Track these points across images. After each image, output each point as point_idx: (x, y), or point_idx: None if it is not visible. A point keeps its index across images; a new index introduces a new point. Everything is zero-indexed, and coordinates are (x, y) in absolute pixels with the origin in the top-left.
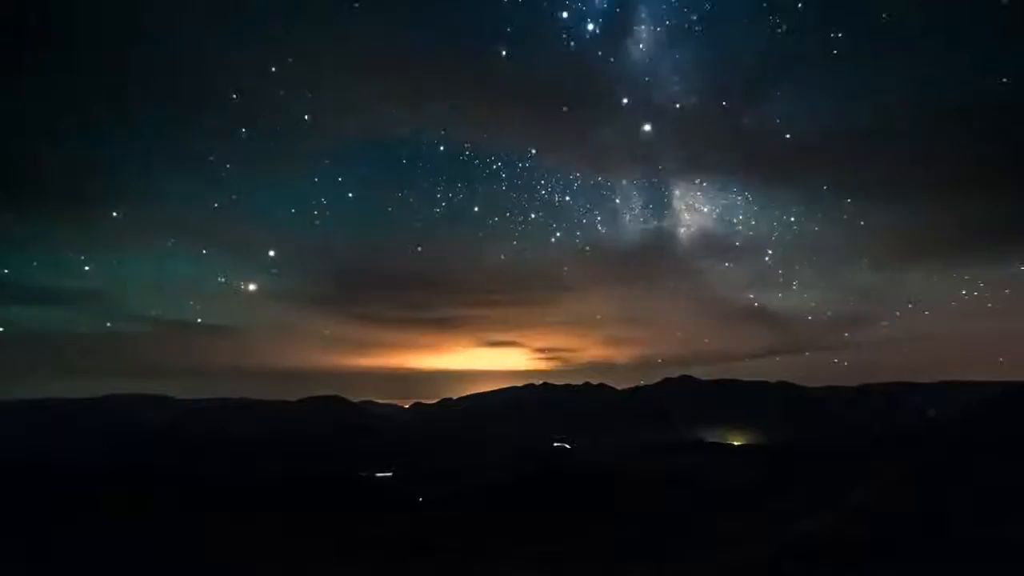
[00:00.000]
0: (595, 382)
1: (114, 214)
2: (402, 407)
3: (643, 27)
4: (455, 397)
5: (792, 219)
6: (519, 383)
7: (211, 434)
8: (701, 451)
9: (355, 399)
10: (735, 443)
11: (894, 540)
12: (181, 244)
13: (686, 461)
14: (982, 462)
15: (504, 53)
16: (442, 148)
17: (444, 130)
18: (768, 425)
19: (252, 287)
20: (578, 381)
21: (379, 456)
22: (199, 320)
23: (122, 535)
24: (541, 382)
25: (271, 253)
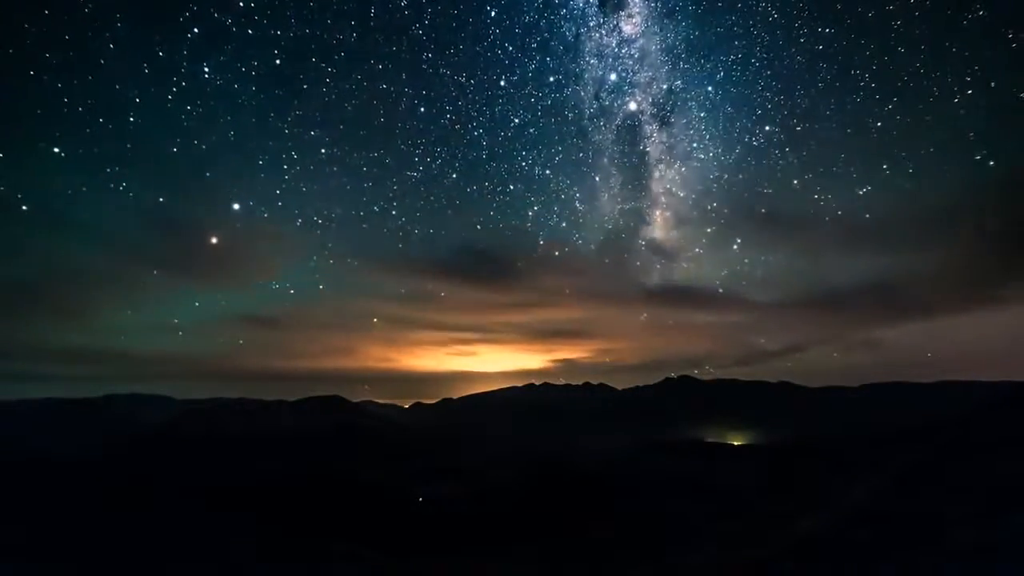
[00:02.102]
0: (595, 382)
1: (56, 150)
2: (402, 407)
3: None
4: (455, 397)
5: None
6: (519, 383)
7: (211, 434)
8: (701, 451)
9: (355, 399)
10: (735, 443)
11: (894, 540)
12: (134, 190)
13: (686, 461)
14: (982, 462)
15: (493, 13)
16: (422, 109)
17: (426, 90)
18: (768, 425)
19: (214, 240)
20: (578, 381)
21: (379, 456)
22: (155, 272)
23: (122, 535)
24: (541, 382)
25: (235, 207)
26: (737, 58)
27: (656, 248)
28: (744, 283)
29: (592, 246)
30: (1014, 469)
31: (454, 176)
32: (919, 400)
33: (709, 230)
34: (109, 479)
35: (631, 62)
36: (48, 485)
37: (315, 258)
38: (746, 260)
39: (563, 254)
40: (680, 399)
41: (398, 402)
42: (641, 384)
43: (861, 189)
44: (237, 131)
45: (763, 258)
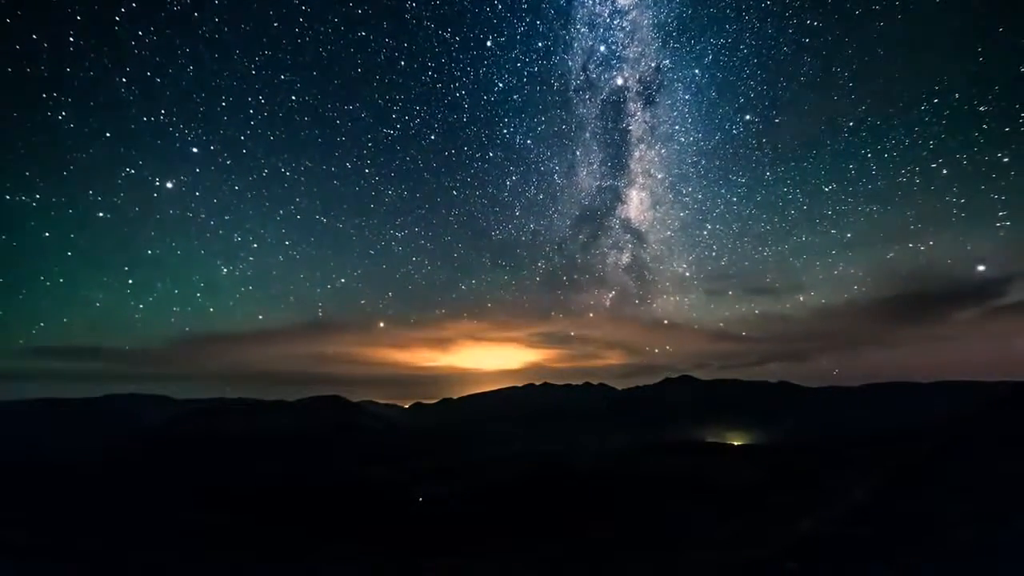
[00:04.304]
0: (595, 382)
1: None
2: (402, 407)
3: None
4: (455, 397)
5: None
6: (519, 383)
7: (211, 434)
8: (701, 451)
9: (355, 399)
10: (735, 443)
11: (894, 540)
12: (75, 121)
13: (686, 461)
14: (982, 462)
15: None
16: (402, 63)
17: (408, 43)
18: (768, 425)
19: (169, 184)
20: (578, 381)
21: (379, 456)
22: (100, 214)
23: (122, 535)
24: (541, 382)
25: (194, 150)
26: (727, 42)
27: (629, 227)
28: (710, 268)
29: (568, 220)
30: (1014, 469)
31: (432, 138)
32: (919, 400)
33: (682, 214)
34: (109, 479)
35: (622, 35)
36: (48, 485)
37: (281, 212)
38: (714, 247)
39: (539, 227)
40: (680, 399)
41: (398, 402)
42: (641, 384)
43: (827, 186)
44: (196, 66)
45: (730, 245)
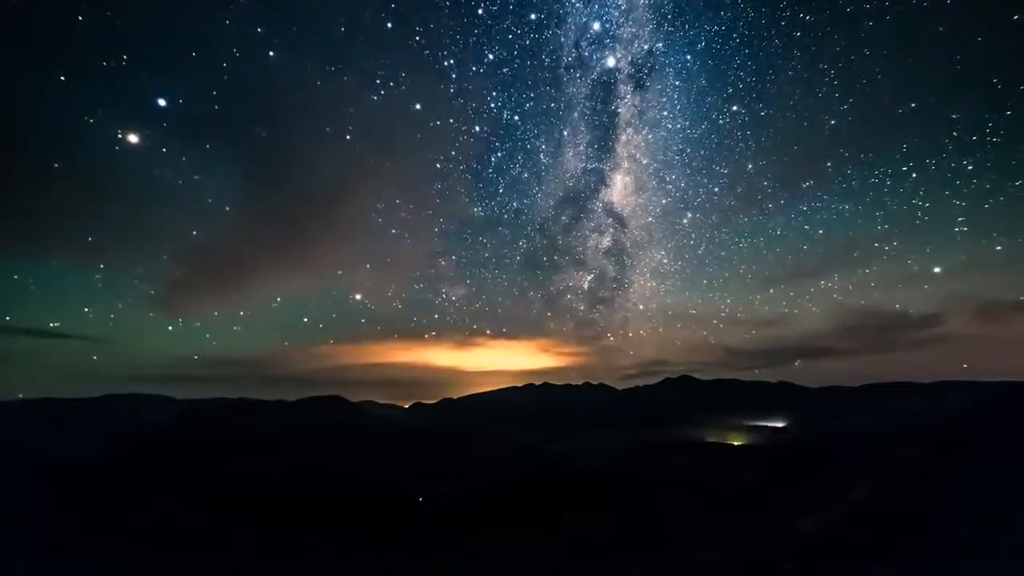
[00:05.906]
0: (595, 382)
1: None
2: (402, 407)
3: None
4: (455, 397)
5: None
6: (519, 383)
7: (211, 434)
8: (701, 451)
9: (355, 399)
10: (735, 443)
11: (894, 540)
12: (34, 68)
13: (686, 461)
14: (980, 463)
15: None
16: (389, 25)
17: (395, 3)
18: (768, 425)
19: (133, 138)
20: (578, 381)
21: (379, 456)
22: (55, 165)
23: (123, 535)
24: (541, 382)
25: (161, 102)
26: (720, 29)
27: (611, 212)
28: (687, 257)
29: (551, 201)
30: (1014, 469)
31: (417, 107)
32: (919, 400)
33: (664, 201)
34: (109, 479)
35: (617, 13)
36: (48, 485)
37: (256, 175)
38: (693, 236)
39: (522, 206)
40: (680, 399)
41: (398, 402)
42: (641, 384)
43: (805, 183)
44: (162, 8)
45: (708, 235)
